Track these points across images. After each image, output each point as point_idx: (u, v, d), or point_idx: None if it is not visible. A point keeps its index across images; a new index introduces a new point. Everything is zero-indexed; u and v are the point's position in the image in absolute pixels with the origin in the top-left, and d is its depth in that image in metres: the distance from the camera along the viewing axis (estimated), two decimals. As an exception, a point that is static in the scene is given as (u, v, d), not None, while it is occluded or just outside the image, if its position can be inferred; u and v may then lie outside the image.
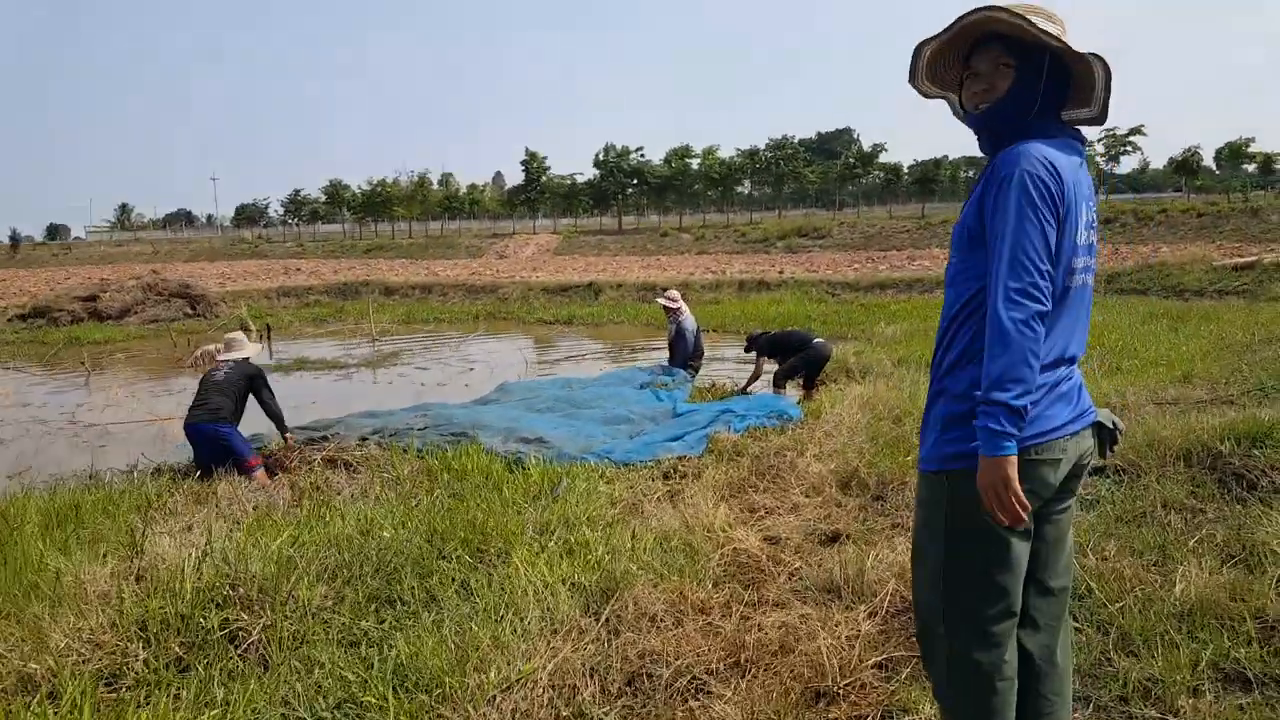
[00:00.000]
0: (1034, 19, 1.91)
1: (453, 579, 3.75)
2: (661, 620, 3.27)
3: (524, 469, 5.63)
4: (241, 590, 3.64)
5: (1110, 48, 2.04)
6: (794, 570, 3.78)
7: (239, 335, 7.40)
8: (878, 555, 3.69)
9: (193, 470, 6.70)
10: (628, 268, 34.41)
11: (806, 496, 4.85)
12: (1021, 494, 1.83)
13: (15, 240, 67.73)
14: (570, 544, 4.11)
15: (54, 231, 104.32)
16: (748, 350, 10.02)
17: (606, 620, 3.32)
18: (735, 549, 3.94)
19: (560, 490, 5.04)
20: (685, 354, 9.96)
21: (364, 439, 6.97)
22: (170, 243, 72.48)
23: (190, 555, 3.82)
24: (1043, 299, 1.83)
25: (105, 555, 4.14)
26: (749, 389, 9.32)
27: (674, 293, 10.41)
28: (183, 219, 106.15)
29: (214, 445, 6.42)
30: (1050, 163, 1.87)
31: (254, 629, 3.39)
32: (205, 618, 3.41)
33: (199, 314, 21.36)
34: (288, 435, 6.92)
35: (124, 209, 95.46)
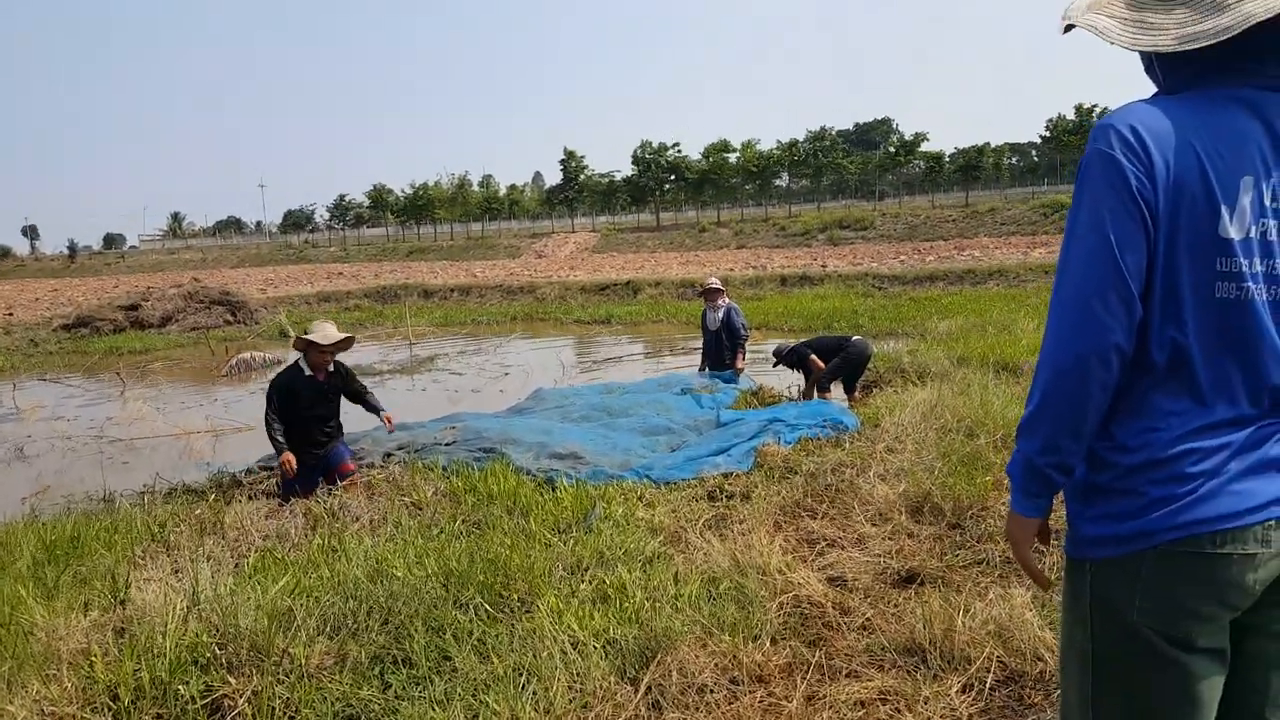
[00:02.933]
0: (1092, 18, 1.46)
1: (470, 633, 3.26)
2: (712, 692, 2.74)
3: (555, 491, 5.14)
4: (230, 648, 3.20)
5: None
6: (866, 622, 3.22)
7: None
8: (966, 605, 3.12)
9: (209, 490, 6.35)
10: (666, 264, 33.90)
11: (873, 525, 4.27)
12: (1034, 566, 1.54)
13: (73, 250, 69.60)
14: (604, 587, 3.59)
15: (110, 240, 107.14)
16: (776, 365, 9.50)
17: (647, 690, 2.80)
18: (795, 595, 3.40)
19: (594, 518, 4.53)
20: (741, 336, 9.50)
21: (389, 455, 6.56)
22: (219, 249, 73.79)
23: (177, 605, 3.39)
24: (1109, 326, 1.33)
25: (87, 603, 3.73)
26: (813, 394, 8.77)
27: (715, 279, 9.91)
28: (232, 226, 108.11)
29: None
30: (1135, 132, 1.32)
31: (239, 697, 2.94)
32: (186, 683, 2.97)
33: (239, 321, 21.27)
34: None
35: (175, 217, 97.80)
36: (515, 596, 3.52)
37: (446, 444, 6.60)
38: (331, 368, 6.15)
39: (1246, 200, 1.33)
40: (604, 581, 3.65)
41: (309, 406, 6.01)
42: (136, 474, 7.67)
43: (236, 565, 4.37)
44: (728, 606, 3.33)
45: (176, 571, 4.17)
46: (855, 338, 9.16)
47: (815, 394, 8.75)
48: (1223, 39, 1.31)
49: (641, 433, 7.26)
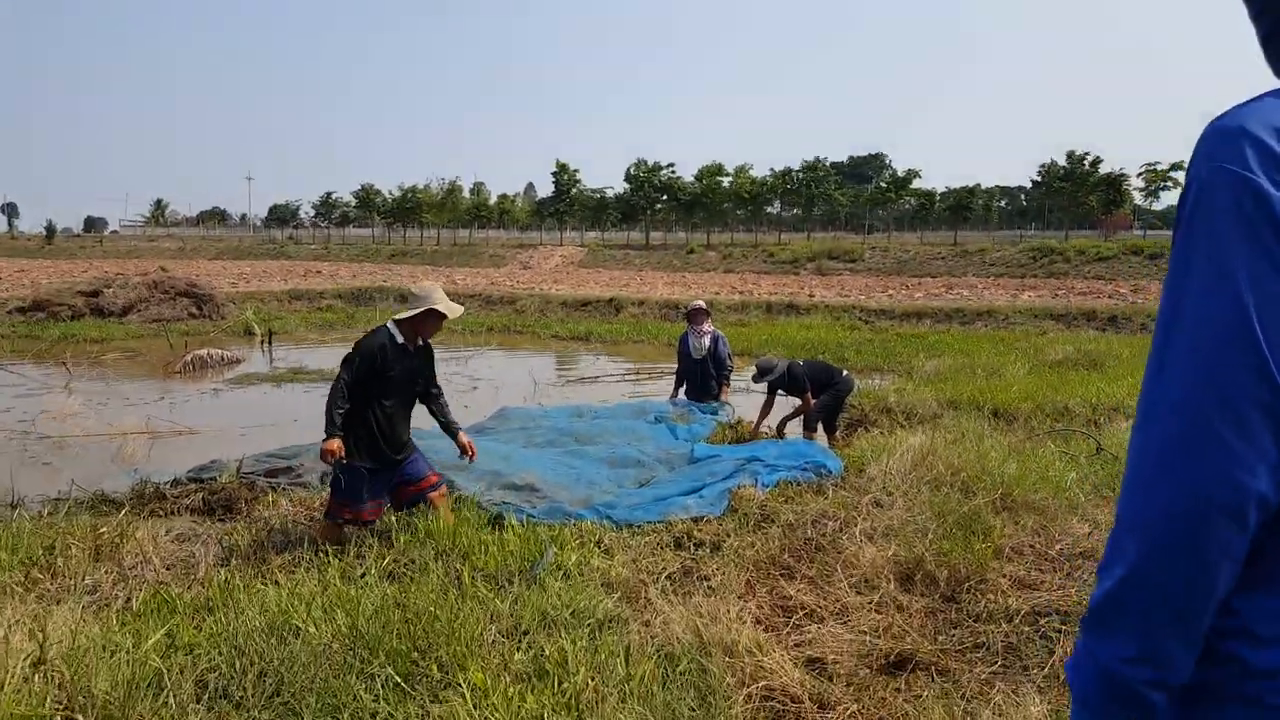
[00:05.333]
0: None
1: (373, 715, 2.70)
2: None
3: (502, 532, 4.58)
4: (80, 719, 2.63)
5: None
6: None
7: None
8: (971, 712, 2.60)
9: (128, 501, 5.73)
10: (652, 284, 33.45)
11: (857, 593, 3.75)
12: None
13: (51, 232, 68.24)
14: (543, 660, 3.04)
15: (91, 224, 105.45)
16: (759, 381, 8.35)
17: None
18: (767, 685, 2.87)
19: (541, 568, 3.98)
20: (728, 368, 8.78)
21: (324, 477, 5.97)
22: (200, 239, 72.68)
23: (22, 659, 2.81)
24: (1244, 462, 0.81)
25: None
26: (761, 428, 8.17)
27: (701, 301, 9.26)
28: (216, 217, 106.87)
29: None
30: None
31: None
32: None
33: (205, 315, 20.56)
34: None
35: (159, 204, 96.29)
36: (434, 667, 2.96)
37: (393, 466, 6.02)
38: (421, 340, 4.80)
39: None
40: (544, 651, 3.10)
41: (400, 385, 4.66)
42: (57, 476, 7.04)
43: (127, 601, 3.80)
44: (686, 695, 2.80)
45: (57, 603, 3.59)
46: (845, 372, 8.56)
47: (804, 433, 8.17)
48: None
49: (609, 464, 6.71)
